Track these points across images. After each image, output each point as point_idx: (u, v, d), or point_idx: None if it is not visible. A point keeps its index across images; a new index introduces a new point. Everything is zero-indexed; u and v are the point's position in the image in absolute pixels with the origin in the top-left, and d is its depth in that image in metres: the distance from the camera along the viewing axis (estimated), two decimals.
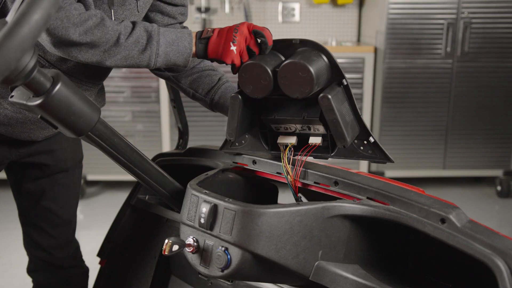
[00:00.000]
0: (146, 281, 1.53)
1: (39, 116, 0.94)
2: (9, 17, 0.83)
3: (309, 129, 1.16)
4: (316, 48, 1.12)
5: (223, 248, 1.00)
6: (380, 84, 3.65)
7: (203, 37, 1.20)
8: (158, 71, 1.48)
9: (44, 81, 0.87)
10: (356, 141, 1.15)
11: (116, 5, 1.23)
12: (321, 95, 1.06)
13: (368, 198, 1.04)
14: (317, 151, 1.17)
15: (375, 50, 3.70)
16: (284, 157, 1.16)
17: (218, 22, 4.20)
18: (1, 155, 1.40)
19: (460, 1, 3.49)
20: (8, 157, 1.42)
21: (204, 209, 1.04)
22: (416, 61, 3.61)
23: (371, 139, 1.14)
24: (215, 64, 1.42)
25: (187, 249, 1.06)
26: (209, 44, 1.20)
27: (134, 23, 1.17)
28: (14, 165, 1.50)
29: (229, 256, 1.00)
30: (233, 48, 1.16)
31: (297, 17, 4.23)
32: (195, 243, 1.05)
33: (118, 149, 1.08)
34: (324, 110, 1.07)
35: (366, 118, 3.80)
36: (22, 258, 1.77)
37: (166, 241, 1.02)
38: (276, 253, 0.98)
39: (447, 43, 3.55)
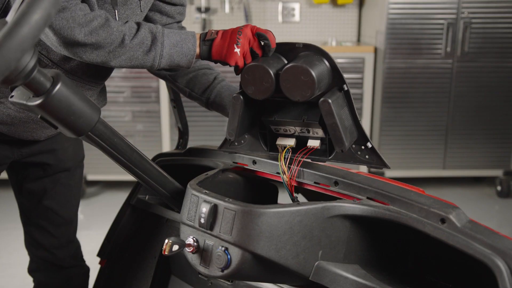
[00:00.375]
0: (146, 281, 1.53)
1: (39, 116, 0.94)
2: (9, 17, 0.83)
3: (308, 132, 1.17)
4: (318, 53, 1.13)
5: (223, 248, 1.00)
6: (380, 84, 3.65)
7: (207, 39, 1.21)
8: (156, 70, 1.49)
9: (44, 81, 0.87)
10: (354, 145, 1.16)
11: (119, 5, 1.24)
12: (321, 99, 1.08)
13: (368, 198, 1.04)
14: (315, 154, 1.18)
15: (375, 50, 3.70)
16: (281, 157, 1.17)
17: (218, 22, 4.20)
18: (3, 154, 1.40)
19: (460, 1, 3.49)
20: (10, 156, 1.43)
21: (204, 209, 1.04)
22: (416, 61, 3.61)
23: (369, 145, 1.15)
24: (212, 64, 1.43)
25: (187, 249, 1.06)
26: (213, 46, 1.21)
27: (138, 24, 1.18)
28: (16, 165, 1.51)
29: (229, 256, 1.00)
30: (237, 50, 1.17)
31: (297, 17, 4.23)
32: (195, 243, 1.06)
33: (118, 149, 1.08)
34: (324, 114, 1.08)
35: (366, 118, 3.80)
36: (22, 258, 1.77)
37: (166, 241, 1.02)
38: (276, 253, 0.98)
39: (447, 43, 3.55)
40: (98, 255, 1.63)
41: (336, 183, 1.09)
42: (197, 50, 1.21)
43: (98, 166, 3.62)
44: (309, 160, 1.19)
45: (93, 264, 1.71)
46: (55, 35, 1.09)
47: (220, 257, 1.00)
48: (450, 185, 3.97)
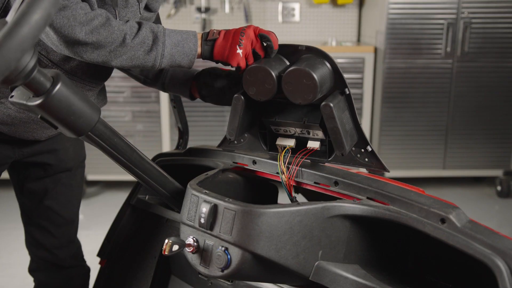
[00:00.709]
0: (146, 281, 1.53)
1: (39, 116, 0.94)
2: (9, 17, 0.83)
3: (308, 133, 1.17)
4: (321, 56, 1.13)
5: (223, 248, 1.00)
6: (380, 84, 3.65)
7: (209, 39, 1.21)
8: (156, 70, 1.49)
9: (44, 81, 0.87)
10: (354, 148, 1.17)
11: (119, 6, 1.23)
12: (323, 103, 1.08)
13: (368, 198, 1.04)
14: (314, 155, 1.19)
15: (375, 50, 3.70)
16: (280, 157, 1.17)
17: (218, 22, 4.20)
18: (4, 154, 1.40)
19: (460, 1, 3.49)
20: (11, 156, 1.43)
21: (204, 209, 1.04)
22: (416, 61, 3.60)
23: (369, 148, 1.16)
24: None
25: (187, 249, 1.06)
26: (215, 46, 1.20)
27: (139, 24, 1.18)
28: (17, 165, 1.51)
29: (229, 256, 1.00)
30: (239, 51, 1.17)
31: (297, 17, 4.23)
32: (195, 243, 1.06)
33: (118, 149, 1.08)
34: (326, 117, 1.09)
35: (366, 118, 3.80)
36: (22, 258, 1.77)
37: (166, 241, 1.02)
38: (276, 253, 0.98)
39: (447, 43, 3.55)
40: (98, 255, 1.63)
41: (336, 183, 1.09)
42: (199, 50, 1.21)
43: (98, 166, 3.62)
44: (309, 161, 1.19)
45: (93, 264, 1.71)
46: (56, 34, 1.08)
47: (220, 257, 1.00)
48: (450, 185, 3.97)
